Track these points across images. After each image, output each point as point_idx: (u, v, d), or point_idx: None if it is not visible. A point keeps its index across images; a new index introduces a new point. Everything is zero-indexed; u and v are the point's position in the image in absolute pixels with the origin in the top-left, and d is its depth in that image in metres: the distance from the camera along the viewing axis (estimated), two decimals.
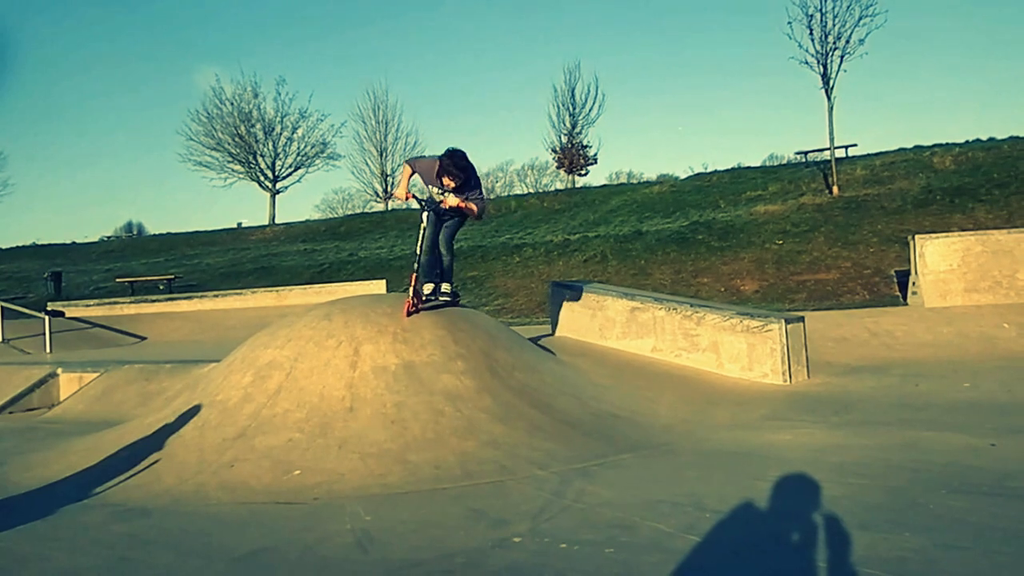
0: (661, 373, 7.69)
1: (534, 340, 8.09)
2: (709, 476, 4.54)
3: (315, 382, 5.42)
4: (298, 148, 34.70)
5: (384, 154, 35.00)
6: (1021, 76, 69.86)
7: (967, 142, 24.03)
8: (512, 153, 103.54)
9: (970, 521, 3.55)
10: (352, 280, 18.67)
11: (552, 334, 9.22)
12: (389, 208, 34.62)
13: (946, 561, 3.11)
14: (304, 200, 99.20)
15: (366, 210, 38.01)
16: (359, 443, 4.87)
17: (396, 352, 5.66)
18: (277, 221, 33.76)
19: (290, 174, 34.87)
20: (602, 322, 8.78)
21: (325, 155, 35.08)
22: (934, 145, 23.39)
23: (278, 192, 34.72)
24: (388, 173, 34.83)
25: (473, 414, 5.30)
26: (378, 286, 15.21)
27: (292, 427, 5.05)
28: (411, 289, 6.29)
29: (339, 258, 23.42)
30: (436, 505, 4.13)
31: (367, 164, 35.32)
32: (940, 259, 10.57)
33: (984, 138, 25.14)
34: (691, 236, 18.19)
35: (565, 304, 9.22)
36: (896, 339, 9.09)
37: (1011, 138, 22.74)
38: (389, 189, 34.46)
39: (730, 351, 7.81)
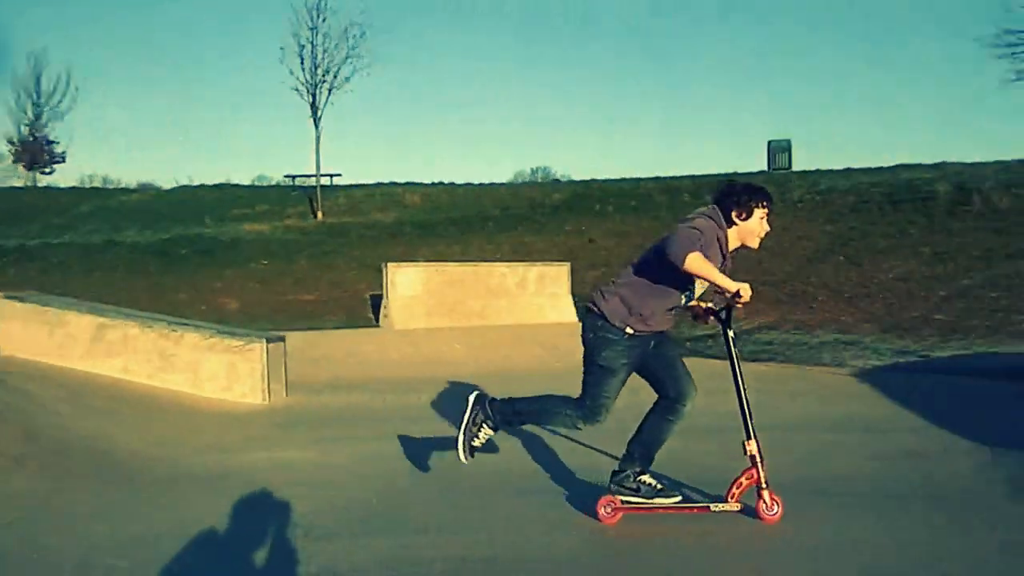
0: (132, 396, 7.09)
1: None
2: (177, 502, 4.32)
3: None
4: None
5: None
6: (473, 127, 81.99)
7: (433, 183, 27.26)
8: None
9: (431, 524, 3.96)
10: None
11: None
12: None
13: (402, 560, 3.44)
14: None
15: None
16: None
17: None
18: None
19: None
20: (62, 340, 7.78)
21: None
22: (406, 183, 26.02)
23: None
24: None
25: None
26: None
27: None
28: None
29: None
30: None
31: None
32: (407, 286, 11.71)
33: (446, 181, 28.79)
34: (172, 250, 17.28)
35: (16, 320, 7.96)
36: (369, 358, 9.78)
37: (467, 184, 26.45)
38: None
39: (210, 371, 7.56)
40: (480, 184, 26.78)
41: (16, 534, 3.80)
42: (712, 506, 3.82)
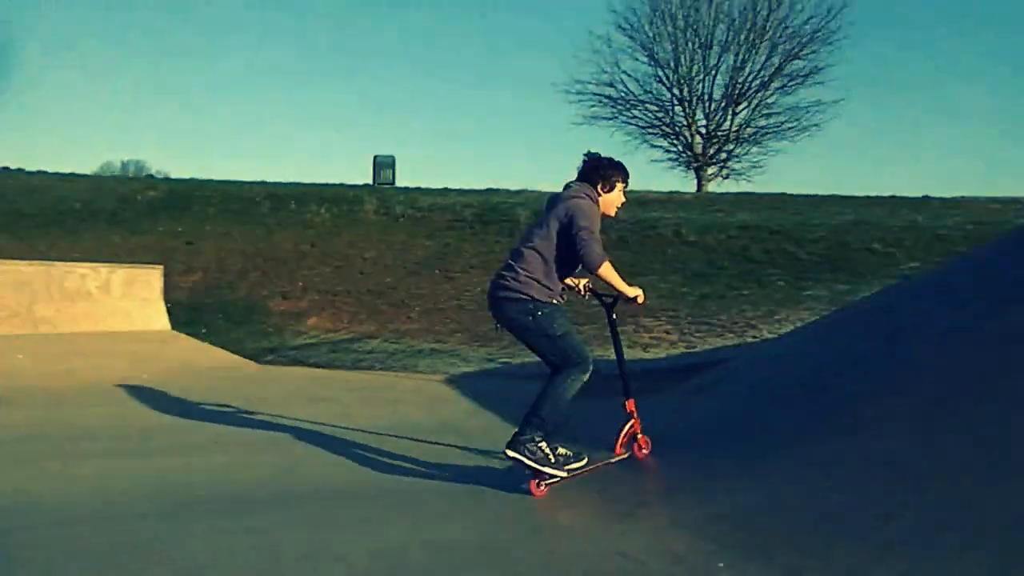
0: None
1: None
2: None
3: None
4: None
5: None
6: (53, 112, 72.27)
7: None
8: None
9: None
10: None
11: None
12: None
13: None
14: None
15: None
16: None
17: None
18: None
19: None
20: None
21: None
22: None
23: None
24: None
25: None
26: None
27: None
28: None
29: None
30: None
31: None
32: None
33: (13, 167, 24.97)
34: None
35: None
36: None
37: (40, 172, 23.18)
38: None
39: None
40: (58, 174, 23.72)
41: None
42: (606, 461, 4.51)
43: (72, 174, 24.66)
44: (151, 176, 32.89)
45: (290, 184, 23.96)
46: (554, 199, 4.33)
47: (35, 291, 10.52)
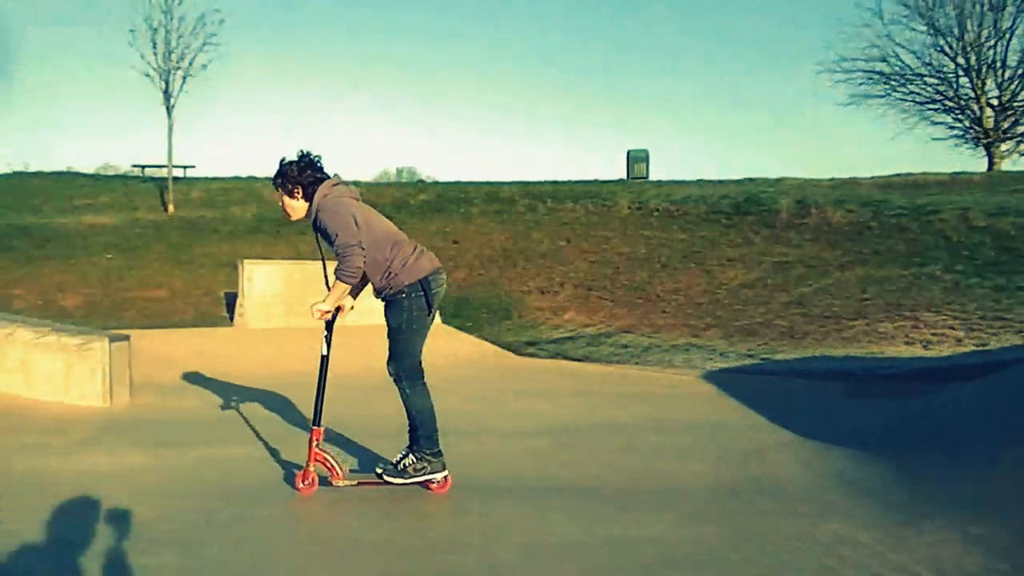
0: None
1: None
2: (2, 510, 4.00)
3: None
4: None
5: None
6: (339, 126, 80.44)
7: None
8: None
9: (263, 529, 3.85)
10: None
11: None
12: None
13: (241, 564, 3.33)
14: None
15: None
16: None
17: None
18: None
19: None
20: None
21: None
22: (266, 178, 25.21)
23: None
24: None
25: None
26: None
27: None
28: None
29: None
30: None
31: None
32: (266, 284, 11.36)
33: None
34: (3, 241, 15.99)
35: None
36: (220, 359, 9.40)
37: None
38: None
39: (44, 371, 7.05)
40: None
41: None
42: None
43: (355, 182, 27.32)
44: (421, 181, 35.48)
45: (545, 182, 24.70)
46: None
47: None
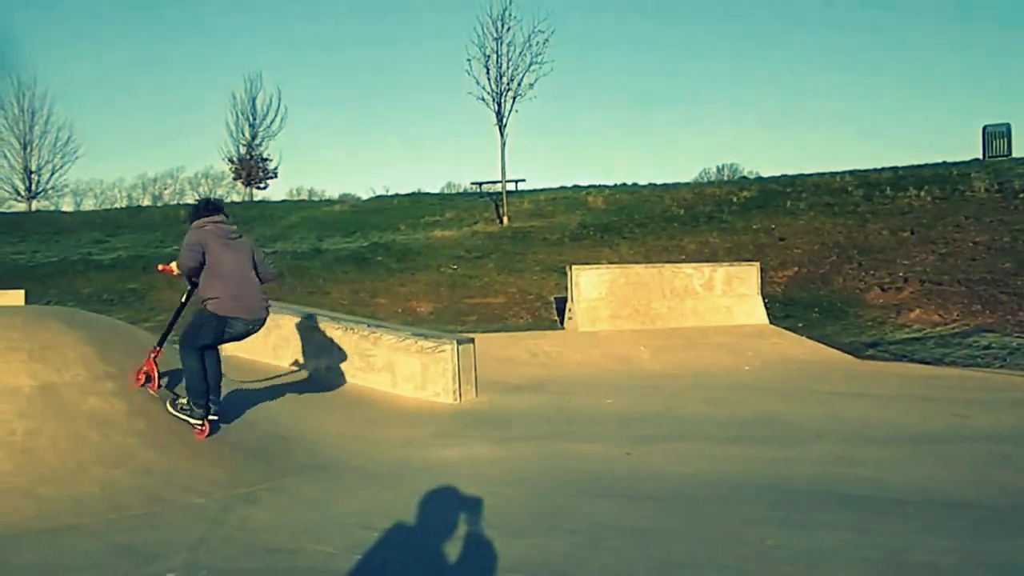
0: (335, 393, 7.63)
1: None
2: (377, 494, 4.59)
3: None
4: None
5: (28, 147, 30.77)
6: (656, 128, 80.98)
7: (615, 185, 27.19)
8: (182, 159, 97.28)
9: (608, 523, 3.98)
10: None
11: None
12: (32, 209, 30.51)
13: (584, 559, 3.46)
14: None
15: (3, 209, 33.08)
16: None
17: (31, 372, 4.97)
18: None
19: None
20: (276, 340, 8.51)
21: None
22: (589, 186, 26.12)
23: None
24: (33, 169, 30.68)
25: (123, 439, 4.82)
26: (15, 296, 13.27)
27: None
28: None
29: None
30: (71, 543, 3.68)
31: (6, 157, 30.83)
32: (592, 288, 11.78)
33: (629, 183, 28.64)
34: (370, 256, 18.36)
35: None
36: (552, 359, 9.94)
37: (649, 184, 26.17)
38: (35, 187, 30.48)
39: (405, 371, 7.98)
40: (663, 185, 26.44)
41: (233, 515, 4.18)
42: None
43: (675, 183, 27.24)
44: (744, 178, 34.41)
45: (883, 169, 22.65)
46: (239, 237, 5.45)
47: (651, 291, 11.93)
